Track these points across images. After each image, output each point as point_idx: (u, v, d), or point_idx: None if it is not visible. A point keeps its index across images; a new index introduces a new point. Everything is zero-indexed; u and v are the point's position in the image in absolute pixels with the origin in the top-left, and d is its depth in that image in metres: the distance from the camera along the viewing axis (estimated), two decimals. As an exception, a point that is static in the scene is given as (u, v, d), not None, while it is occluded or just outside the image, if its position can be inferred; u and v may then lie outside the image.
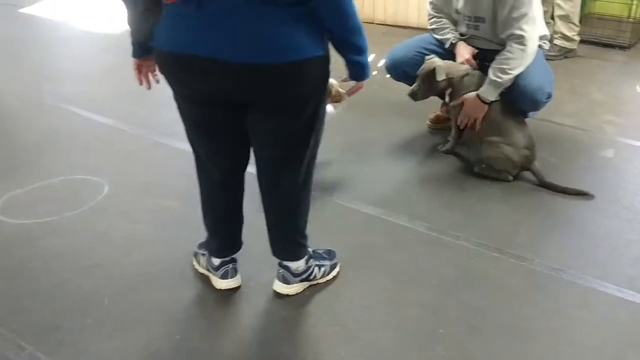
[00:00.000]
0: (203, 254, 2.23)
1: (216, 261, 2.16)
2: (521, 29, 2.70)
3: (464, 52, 3.03)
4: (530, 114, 3.06)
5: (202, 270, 2.25)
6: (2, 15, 5.93)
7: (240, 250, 2.19)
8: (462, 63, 2.98)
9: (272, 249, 2.12)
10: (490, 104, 2.81)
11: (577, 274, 2.25)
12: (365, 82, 1.93)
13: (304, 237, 2.12)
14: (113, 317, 2.07)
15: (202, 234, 2.19)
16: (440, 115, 3.43)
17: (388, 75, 3.26)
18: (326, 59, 1.77)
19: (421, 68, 2.94)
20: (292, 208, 2.04)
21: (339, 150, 3.20)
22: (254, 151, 1.96)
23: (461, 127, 2.98)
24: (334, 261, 2.26)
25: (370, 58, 1.89)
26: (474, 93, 2.83)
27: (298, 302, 2.13)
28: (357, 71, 1.87)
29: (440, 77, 2.86)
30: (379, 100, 3.71)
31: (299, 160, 1.93)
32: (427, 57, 2.97)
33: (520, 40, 2.71)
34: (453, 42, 3.06)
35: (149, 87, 2.00)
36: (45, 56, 4.77)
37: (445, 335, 1.98)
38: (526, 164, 2.83)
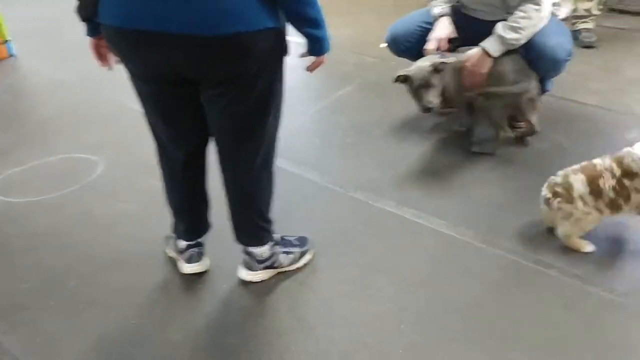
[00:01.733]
0: (173, 237, 2.19)
1: (182, 244, 2.12)
2: None
3: (440, 31, 2.79)
4: (549, 85, 2.91)
5: (171, 254, 2.22)
6: None
7: (209, 233, 2.14)
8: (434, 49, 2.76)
9: (234, 233, 2.05)
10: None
11: (570, 271, 2.07)
12: (326, 57, 1.80)
13: (267, 221, 2.04)
14: (77, 298, 2.07)
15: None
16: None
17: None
18: (279, 32, 1.67)
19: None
20: (251, 190, 1.96)
21: (339, 131, 3.10)
22: (211, 131, 1.88)
23: (467, 89, 2.74)
24: (304, 248, 2.17)
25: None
26: (478, 48, 2.65)
27: (261, 290, 2.06)
28: (314, 45, 1.75)
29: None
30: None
31: (256, 140, 1.85)
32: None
33: (535, 0, 2.55)
34: (437, 16, 2.85)
35: (111, 68, 1.94)
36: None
37: (407, 334, 1.87)
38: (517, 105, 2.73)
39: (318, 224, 2.37)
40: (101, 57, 1.89)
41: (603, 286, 2.00)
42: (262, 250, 2.05)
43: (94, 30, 1.79)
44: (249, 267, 2.07)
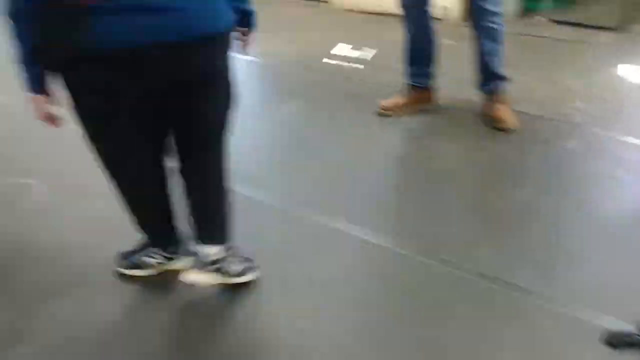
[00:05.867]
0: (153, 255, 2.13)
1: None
2: None
3: None
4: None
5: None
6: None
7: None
8: None
9: (196, 232, 2.06)
10: None
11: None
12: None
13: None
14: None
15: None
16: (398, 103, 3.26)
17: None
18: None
19: None
20: (223, 185, 1.98)
21: (283, 147, 3.07)
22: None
23: None
24: (251, 264, 2.13)
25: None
26: None
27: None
28: (252, 19, 1.88)
29: None
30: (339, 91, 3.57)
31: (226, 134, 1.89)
32: None
33: None
34: None
35: (59, 124, 1.72)
36: None
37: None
38: None
39: (259, 244, 2.29)
40: (50, 117, 1.68)
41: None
42: (215, 251, 2.03)
43: (43, 81, 1.59)
44: (198, 267, 2.07)
